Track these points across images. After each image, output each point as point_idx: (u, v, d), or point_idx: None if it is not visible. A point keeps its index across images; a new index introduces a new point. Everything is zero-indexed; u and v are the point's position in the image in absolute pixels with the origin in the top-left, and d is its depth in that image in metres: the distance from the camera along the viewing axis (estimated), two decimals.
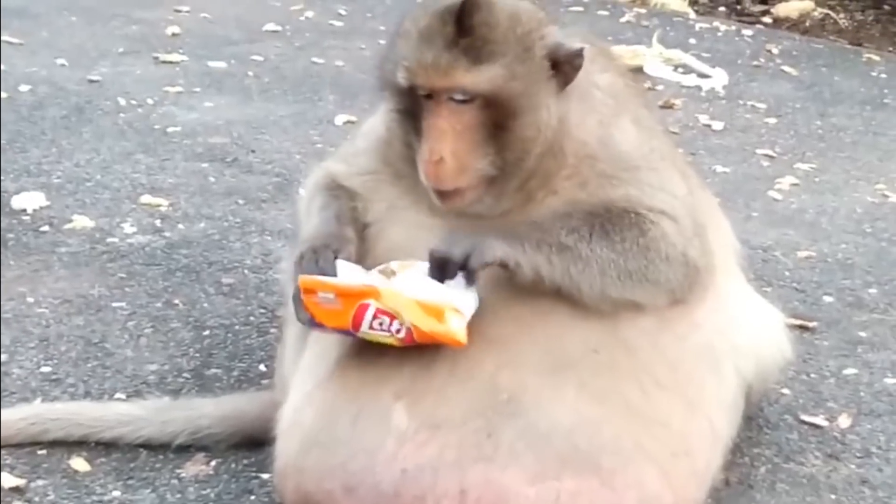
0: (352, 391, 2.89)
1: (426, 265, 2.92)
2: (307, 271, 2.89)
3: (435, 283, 2.86)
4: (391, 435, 2.80)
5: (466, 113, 2.95)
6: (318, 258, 2.93)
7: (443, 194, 3.01)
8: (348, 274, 2.91)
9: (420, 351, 2.88)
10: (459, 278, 2.90)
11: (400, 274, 2.92)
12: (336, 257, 2.94)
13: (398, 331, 2.83)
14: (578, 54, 3.04)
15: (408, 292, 2.83)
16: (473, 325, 2.88)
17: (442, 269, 2.87)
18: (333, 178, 3.31)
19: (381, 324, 2.84)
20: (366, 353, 2.95)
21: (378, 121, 3.33)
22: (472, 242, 2.89)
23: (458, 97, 2.94)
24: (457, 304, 2.85)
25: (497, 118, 2.96)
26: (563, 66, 3.03)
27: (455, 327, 2.81)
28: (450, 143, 2.94)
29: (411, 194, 3.16)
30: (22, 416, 3.50)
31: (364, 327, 2.85)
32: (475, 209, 3.05)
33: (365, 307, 2.82)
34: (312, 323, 2.91)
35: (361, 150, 3.33)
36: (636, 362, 2.96)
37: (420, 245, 3.01)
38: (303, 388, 3.04)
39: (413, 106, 3.00)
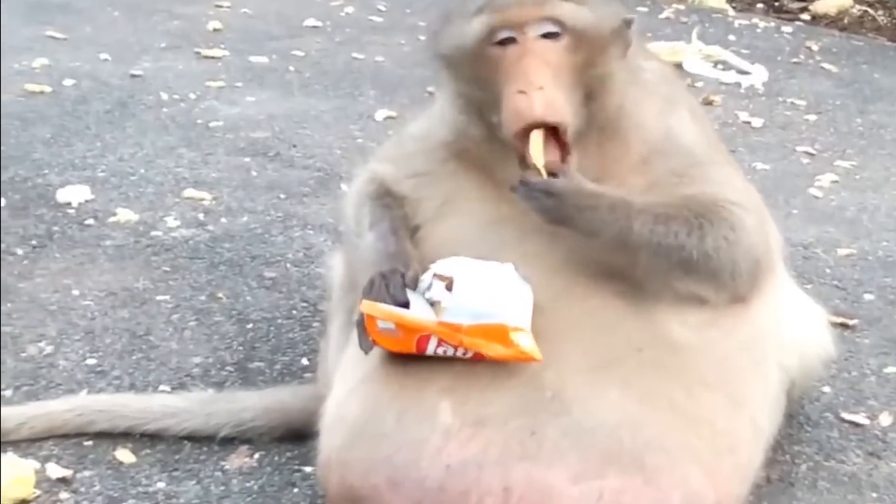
0: (397, 387, 2.91)
1: (476, 264, 2.92)
2: (379, 298, 2.86)
3: (492, 286, 2.85)
4: (436, 431, 2.81)
5: (554, 52, 2.91)
6: (389, 284, 2.89)
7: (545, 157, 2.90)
8: (413, 302, 2.87)
9: None
10: (510, 273, 2.92)
11: (454, 286, 2.88)
12: (405, 283, 2.90)
13: (465, 353, 2.84)
14: (632, 22, 3.07)
15: (466, 313, 2.81)
16: None
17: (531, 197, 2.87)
18: (381, 183, 3.28)
19: (444, 351, 2.85)
20: None
21: (427, 121, 3.32)
22: (553, 201, 2.87)
23: (550, 30, 2.91)
24: (516, 317, 2.83)
25: (583, 62, 2.93)
26: (623, 33, 3.05)
27: (525, 347, 2.80)
28: (547, 74, 2.88)
29: (469, 186, 3.15)
30: (68, 408, 3.54)
31: (429, 352, 2.86)
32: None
33: (426, 338, 2.84)
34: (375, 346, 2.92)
35: (412, 153, 3.29)
36: (681, 360, 2.95)
37: (473, 237, 3.04)
38: (347, 382, 3.05)
39: (486, 69, 2.95)
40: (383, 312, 2.83)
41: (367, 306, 2.85)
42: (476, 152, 3.13)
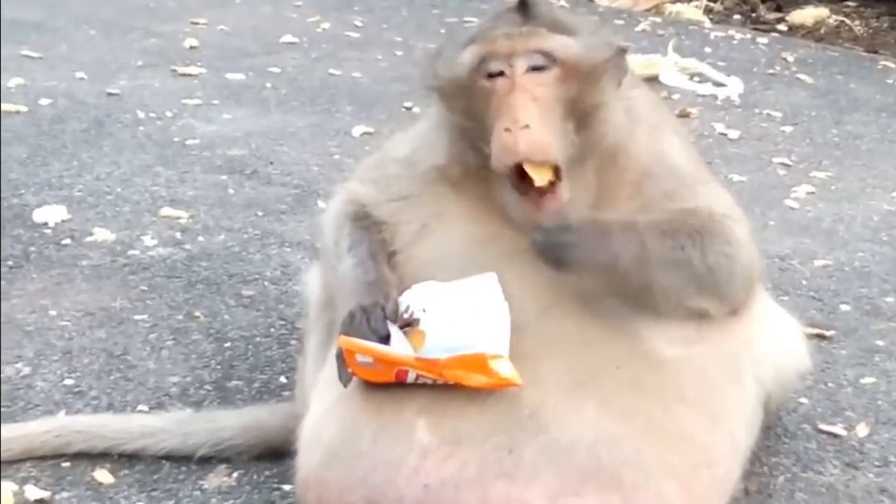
0: (374, 406, 2.90)
1: (450, 289, 2.93)
2: (360, 333, 2.85)
3: (465, 315, 2.85)
4: (414, 450, 2.80)
5: (545, 85, 2.91)
6: (370, 318, 2.88)
7: (537, 200, 2.93)
8: (393, 335, 2.86)
9: None
10: (488, 290, 2.93)
11: (426, 316, 2.88)
12: (385, 315, 2.89)
13: (444, 383, 2.83)
14: (626, 51, 3.09)
15: (442, 348, 2.80)
16: None
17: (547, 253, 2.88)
18: (361, 205, 3.27)
19: (424, 382, 2.85)
20: None
21: (411, 144, 3.31)
22: (573, 235, 2.88)
23: (539, 63, 2.91)
24: (493, 344, 2.83)
25: (574, 94, 2.94)
26: (620, 62, 3.06)
27: (505, 374, 2.79)
28: (533, 110, 2.88)
29: (453, 208, 3.15)
30: (46, 429, 3.53)
31: (409, 381, 2.86)
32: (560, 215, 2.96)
33: (405, 372, 2.84)
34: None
35: (394, 175, 3.27)
36: (659, 377, 2.96)
37: (454, 259, 3.05)
38: (324, 401, 3.05)
39: (477, 101, 2.95)
40: (361, 348, 2.83)
41: (345, 342, 2.85)
42: (465, 176, 3.13)
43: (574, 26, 3.02)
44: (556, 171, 2.94)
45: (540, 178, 2.91)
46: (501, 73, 2.92)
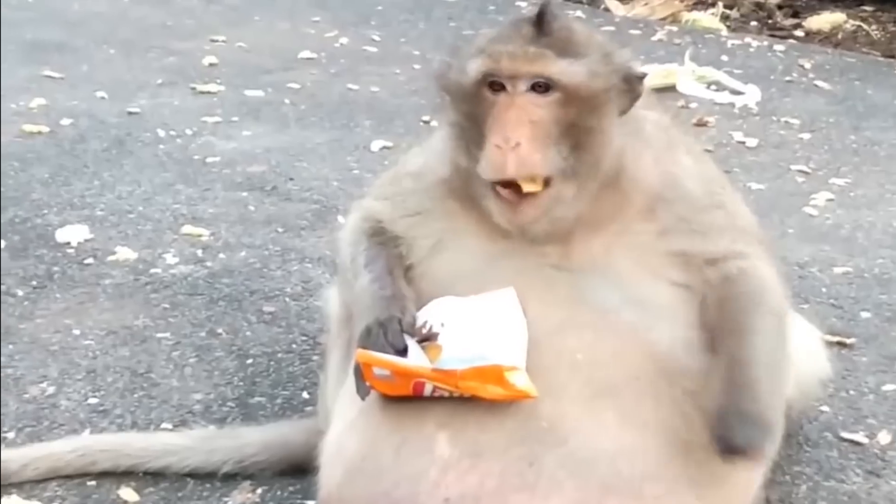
0: (395, 420, 2.92)
1: (467, 303, 2.94)
2: (378, 347, 2.86)
3: (482, 328, 2.87)
4: (434, 464, 2.82)
5: (543, 107, 2.92)
6: (388, 332, 2.89)
7: (515, 203, 2.95)
8: (410, 348, 2.88)
9: None
10: (506, 304, 2.95)
11: (443, 330, 2.90)
12: (402, 329, 2.90)
13: (461, 396, 2.85)
14: (643, 78, 3.08)
15: (458, 360, 2.81)
16: None
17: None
18: (377, 221, 3.28)
19: (441, 395, 2.86)
20: None
21: (423, 157, 3.32)
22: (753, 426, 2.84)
23: (541, 85, 2.92)
24: (509, 356, 2.84)
25: (572, 118, 2.94)
26: (631, 87, 3.05)
27: (521, 386, 2.80)
28: (526, 129, 2.89)
29: (465, 223, 3.15)
30: (71, 449, 3.56)
31: (426, 394, 2.87)
32: (540, 226, 3.00)
33: (422, 384, 2.85)
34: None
35: (408, 190, 3.28)
36: (678, 388, 2.95)
37: (470, 273, 3.05)
38: (345, 416, 3.07)
39: (480, 108, 2.97)
40: (378, 361, 2.84)
41: (363, 355, 2.86)
42: (470, 188, 3.12)
43: (584, 49, 3.00)
44: (546, 181, 2.95)
45: (528, 186, 2.93)
46: (503, 88, 2.95)
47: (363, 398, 2.93)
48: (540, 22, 2.98)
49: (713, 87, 8.63)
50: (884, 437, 3.84)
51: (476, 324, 2.91)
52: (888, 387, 4.18)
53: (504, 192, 2.94)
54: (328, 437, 3.11)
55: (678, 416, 2.93)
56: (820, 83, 9.14)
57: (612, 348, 2.98)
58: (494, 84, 2.95)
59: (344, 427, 3.05)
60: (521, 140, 2.88)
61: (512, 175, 2.90)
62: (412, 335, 2.91)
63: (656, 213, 3.09)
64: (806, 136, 7.66)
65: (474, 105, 2.98)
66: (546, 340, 2.94)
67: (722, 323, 3.01)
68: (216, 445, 3.59)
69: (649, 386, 2.95)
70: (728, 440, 2.79)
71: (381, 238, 3.25)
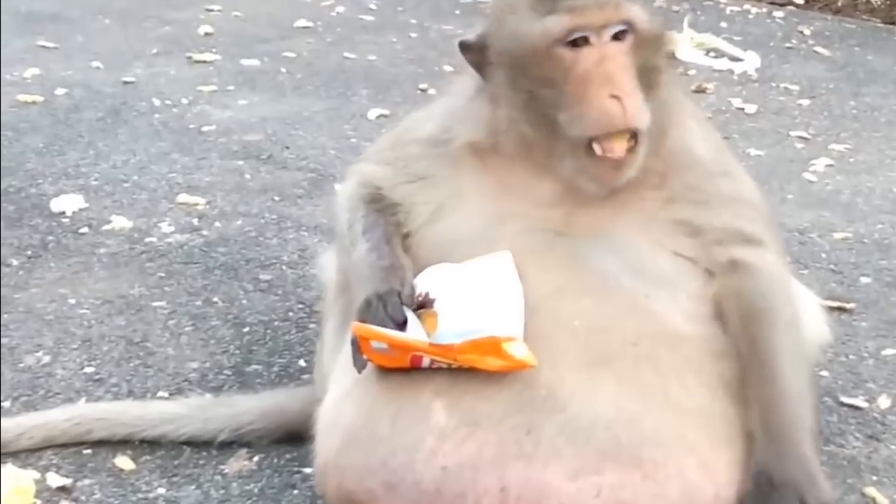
0: (391, 389, 2.89)
1: (463, 272, 2.91)
2: (377, 321, 2.83)
3: (478, 298, 2.84)
4: (431, 433, 2.79)
5: (623, 53, 2.90)
6: (387, 304, 2.86)
7: (616, 158, 2.90)
8: (409, 321, 2.85)
9: None
10: (502, 270, 2.93)
11: (439, 298, 2.87)
12: (402, 301, 2.87)
13: (459, 367, 2.82)
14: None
15: (455, 333, 2.78)
16: None
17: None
18: (375, 188, 3.23)
19: (439, 366, 2.83)
20: None
21: (440, 120, 3.23)
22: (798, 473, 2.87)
23: (621, 31, 2.89)
24: (506, 327, 2.81)
25: (644, 63, 2.93)
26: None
27: (519, 356, 2.77)
28: (627, 79, 2.88)
29: (471, 187, 3.10)
30: (67, 417, 3.54)
31: (423, 366, 2.84)
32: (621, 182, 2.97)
33: (420, 357, 2.82)
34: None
35: (415, 156, 3.21)
36: (677, 354, 2.93)
37: (469, 237, 3.02)
38: (342, 385, 3.04)
39: (557, 67, 2.89)
40: (375, 334, 2.81)
41: (359, 329, 2.83)
42: (496, 151, 3.08)
43: None
44: (636, 138, 2.92)
45: (620, 146, 2.90)
46: (585, 42, 2.88)
47: (360, 371, 2.90)
48: None
49: (712, 53, 8.59)
50: (883, 402, 3.82)
51: (472, 292, 2.87)
52: (888, 351, 4.17)
53: (608, 146, 2.89)
54: (324, 405, 3.08)
55: (677, 383, 2.90)
56: (820, 49, 9.11)
57: (611, 314, 2.95)
58: (576, 40, 2.89)
59: (340, 395, 3.02)
60: (632, 90, 2.87)
61: (633, 124, 2.86)
62: (411, 306, 2.88)
63: (667, 180, 3.06)
64: (805, 102, 7.63)
65: (549, 65, 2.91)
66: (544, 306, 2.91)
67: (745, 347, 2.99)
68: (212, 413, 3.57)
69: (648, 352, 2.91)
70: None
71: (379, 205, 3.20)
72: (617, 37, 2.90)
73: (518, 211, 3.05)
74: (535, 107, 2.96)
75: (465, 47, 3.05)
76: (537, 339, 2.83)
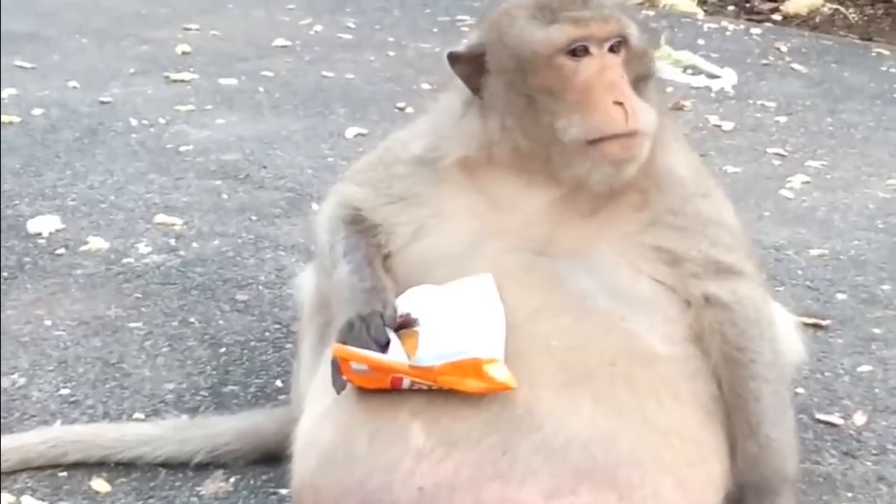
0: (369, 409, 2.88)
1: (444, 294, 2.92)
2: (361, 343, 2.82)
3: (459, 320, 2.84)
4: (408, 453, 2.78)
5: (618, 64, 2.99)
6: (370, 327, 2.85)
7: (625, 150, 2.96)
8: (391, 342, 2.84)
9: None
10: (482, 292, 2.93)
11: (421, 320, 2.86)
12: (385, 323, 2.86)
13: (439, 388, 2.81)
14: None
15: (437, 356, 2.77)
16: None
17: None
18: (355, 209, 3.23)
19: (419, 388, 2.83)
20: None
21: (426, 139, 3.22)
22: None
23: (617, 42, 2.99)
24: (487, 348, 2.81)
25: (633, 74, 3.02)
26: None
27: (500, 378, 2.77)
28: (627, 87, 2.96)
29: (453, 206, 3.12)
30: (42, 440, 3.53)
31: (404, 388, 2.84)
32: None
33: (400, 378, 2.82)
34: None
35: (398, 175, 3.22)
36: (654, 373, 2.94)
37: (450, 256, 3.03)
38: (319, 404, 3.03)
39: (557, 76, 2.97)
40: (355, 356, 2.81)
41: (340, 350, 2.83)
42: (485, 166, 3.10)
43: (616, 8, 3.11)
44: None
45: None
46: (585, 52, 2.97)
47: (339, 391, 2.89)
48: None
49: (689, 70, 8.62)
50: (859, 419, 3.84)
51: (453, 314, 2.87)
52: (863, 368, 4.18)
53: (617, 140, 2.94)
54: (301, 424, 3.07)
55: (654, 402, 2.91)
56: (796, 66, 9.15)
57: (588, 334, 2.95)
58: (576, 50, 2.97)
59: (317, 415, 3.01)
60: (633, 96, 2.95)
61: (635, 127, 2.92)
62: (393, 328, 2.87)
63: (649, 201, 3.08)
64: (782, 119, 7.66)
65: (549, 73, 2.98)
66: (522, 325, 2.91)
67: (726, 391, 3.07)
68: (189, 435, 3.56)
69: (625, 372, 2.92)
70: None
71: (359, 226, 3.20)
72: (613, 49, 3.00)
73: (500, 229, 3.06)
74: (533, 114, 3.01)
75: (454, 59, 3.09)
76: (515, 358, 2.83)
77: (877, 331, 4.49)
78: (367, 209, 3.21)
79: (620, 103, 2.92)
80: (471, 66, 3.08)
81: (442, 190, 3.14)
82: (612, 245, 3.04)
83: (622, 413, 2.86)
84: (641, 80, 3.05)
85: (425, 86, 8.02)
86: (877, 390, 4.03)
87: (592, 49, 2.97)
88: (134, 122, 6.85)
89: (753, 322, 3.09)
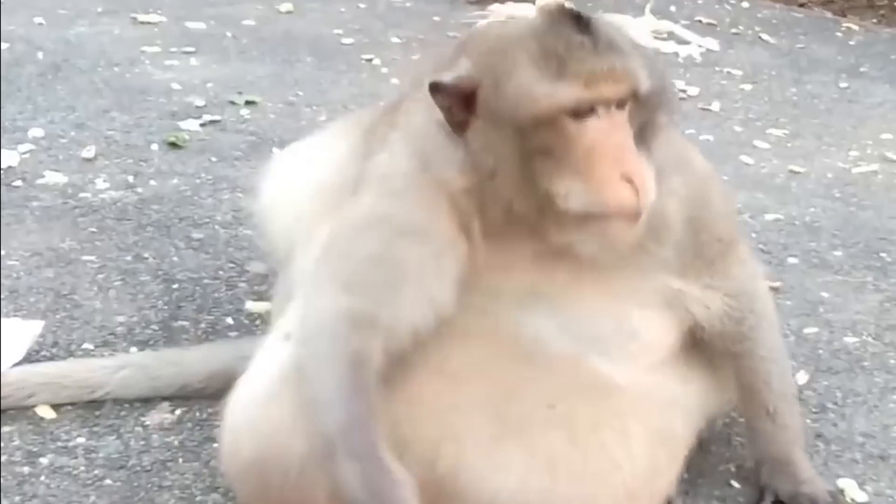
0: None
1: None
2: None
3: None
4: None
5: (624, 122, 2.67)
6: None
7: (624, 226, 2.70)
8: None
9: None
10: None
11: None
12: None
13: None
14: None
15: None
16: (415, 390, 2.71)
17: None
18: (367, 338, 2.71)
19: None
20: None
21: (397, 195, 2.84)
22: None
23: (625, 100, 2.67)
24: None
25: (639, 121, 2.71)
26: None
27: None
28: (634, 154, 2.66)
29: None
30: (8, 382, 3.47)
31: None
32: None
33: None
34: None
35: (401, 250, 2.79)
36: (604, 408, 2.80)
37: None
38: (264, 381, 2.85)
39: (558, 137, 2.64)
40: None
41: None
42: (513, 218, 2.78)
43: (630, 46, 2.73)
44: None
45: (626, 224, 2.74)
46: (592, 112, 2.65)
47: None
48: (586, 26, 2.67)
49: (664, 36, 8.64)
50: (801, 377, 3.88)
51: None
52: (809, 330, 4.23)
53: (622, 219, 2.68)
54: (241, 394, 2.87)
55: (595, 441, 2.77)
56: (766, 37, 9.18)
57: (532, 377, 2.79)
58: (582, 111, 2.65)
59: (261, 397, 2.81)
60: (642, 169, 2.65)
61: (641, 209, 2.66)
62: None
63: (647, 246, 2.89)
64: (747, 87, 7.69)
65: (549, 134, 2.65)
66: (449, 374, 2.75)
67: (738, 382, 3.19)
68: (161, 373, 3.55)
69: (566, 411, 2.76)
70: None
71: (372, 375, 2.70)
72: (620, 104, 2.68)
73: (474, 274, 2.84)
74: (527, 173, 2.69)
75: (436, 89, 2.72)
76: (443, 412, 2.69)
77: (825, 294, 4.55)
78: (387, 335, 2.74)
79: (629, 178, 2.63)
80: (455, 100, 2.72)
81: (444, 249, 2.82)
82: (591, 282, 2.88)
83: (558, 463, 2.71)
84: (650, 126, 2.74)
85: (394, 39, 8.02)
86: (820, 351, 4.09)
87: (601, 109, 2.64)
88: (99, 60, 6.81)
89: (756, 313, 3.15)
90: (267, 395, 2.79)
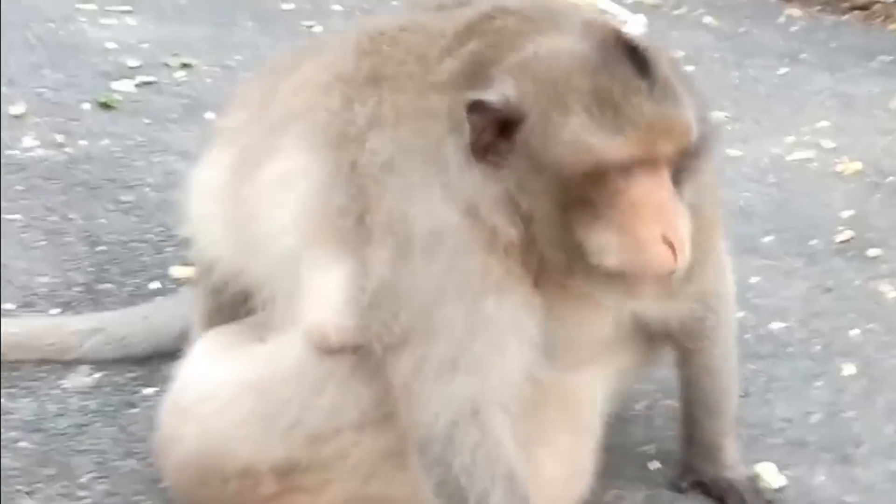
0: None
1: None
2: None
3: None
4: None
5: (668, 177, 2.51)
6: None
7: (655, 282, 2.57)
8: None
9: None
10: None
11: None
12: None
13: None
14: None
15: None
16: None
17: None
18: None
19: None
20: None
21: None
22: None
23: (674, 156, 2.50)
24: None
25: (679, 170, 2.55)
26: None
27: None
28: (680, 213, 2.51)
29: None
30: None
31: None
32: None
33: None
34: None
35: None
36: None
37: None
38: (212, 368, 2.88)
39: (600, 189, 2.47)
40: None
41: None
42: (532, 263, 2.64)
43: (683, 90, 2.53)
44: None
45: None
46: (640, 166, 2.47)
47: None
48: (644, 65, 2.46)
49: (606, 16, 8.63)
50: None
51: None
52: (737, 315, 4.22)
53: (657, 280, 2.56)
54: (197, 377, 2.87)
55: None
56: (709, 20, 9.19)
57: None
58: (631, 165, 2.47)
59: (220, 394, 2.79)
60: (680, 229, 2.50)
61: (678, 270, 2.52)
62: None
63: None
64: (688, 69, 7.67)
65: (592, 186, 2.47)
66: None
67: (690, 376, 3.23)
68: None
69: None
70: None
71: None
72: (670, 159, 2.51)
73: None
74: (562, 222, 2.53)
75: (477, 108, 2.48)
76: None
77: (754, 280, 4.56)
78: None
79: (669, 241, 2.47)
80: (491, 123, 2.49)
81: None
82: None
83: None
84: (687, 172, 2.57)
85: (336, 7, 7.95)
86: (747, 335, 4.10)
87: (651, 164, 2.47)
88: (32, 16, 6.69)
89: (718, 313, 3.13)
90: (228, 394, 2.76)
